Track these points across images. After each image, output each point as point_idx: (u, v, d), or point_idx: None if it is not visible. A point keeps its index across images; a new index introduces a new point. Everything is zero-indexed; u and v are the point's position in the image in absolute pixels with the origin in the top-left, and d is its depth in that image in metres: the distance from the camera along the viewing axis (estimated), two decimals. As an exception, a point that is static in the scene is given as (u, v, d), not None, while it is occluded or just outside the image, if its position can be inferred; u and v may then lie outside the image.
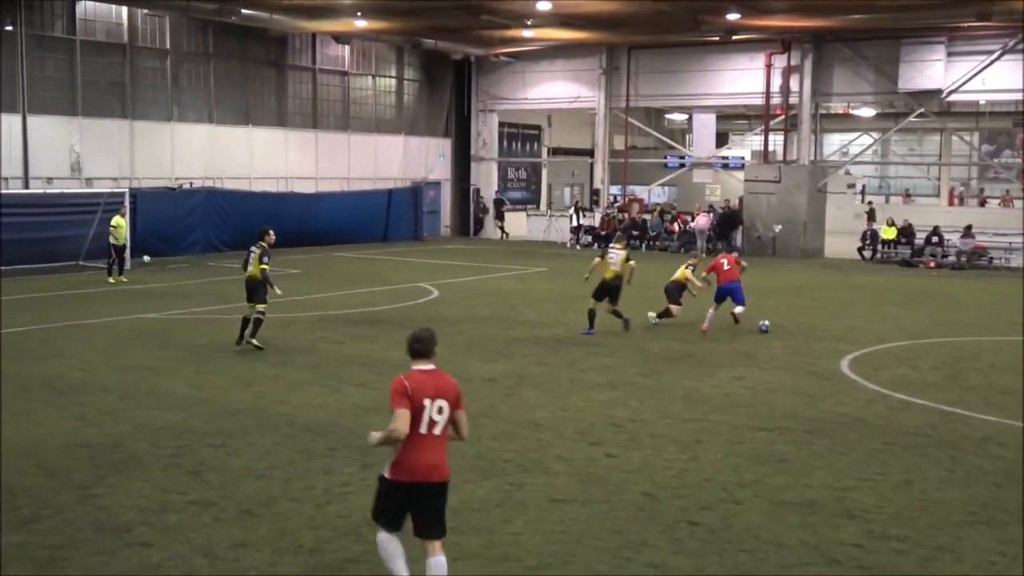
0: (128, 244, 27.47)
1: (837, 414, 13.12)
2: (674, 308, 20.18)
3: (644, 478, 10.23)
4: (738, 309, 19.84)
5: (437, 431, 7.05)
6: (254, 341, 16.96)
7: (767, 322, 19.90)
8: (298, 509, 9.17)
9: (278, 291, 17.34)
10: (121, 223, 26.77)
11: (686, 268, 20.63)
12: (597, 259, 20.08)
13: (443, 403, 7.05)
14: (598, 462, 10.79)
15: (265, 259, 17.16)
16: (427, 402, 6.99)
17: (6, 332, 18.10)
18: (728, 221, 38.62)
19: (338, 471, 10.28)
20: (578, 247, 40.42)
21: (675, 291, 20.35)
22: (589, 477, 10.25)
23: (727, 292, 19.77)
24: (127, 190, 30.41)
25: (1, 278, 25.36)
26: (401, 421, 6.88)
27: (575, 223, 42.32)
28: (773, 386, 14.84)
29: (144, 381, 14.53)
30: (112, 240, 26.49)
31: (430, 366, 7.19)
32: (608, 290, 19.41)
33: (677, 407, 13.37)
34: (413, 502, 7.13)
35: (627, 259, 19.67)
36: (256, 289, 17.07)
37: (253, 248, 17.37)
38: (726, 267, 19.92)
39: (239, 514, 9.02)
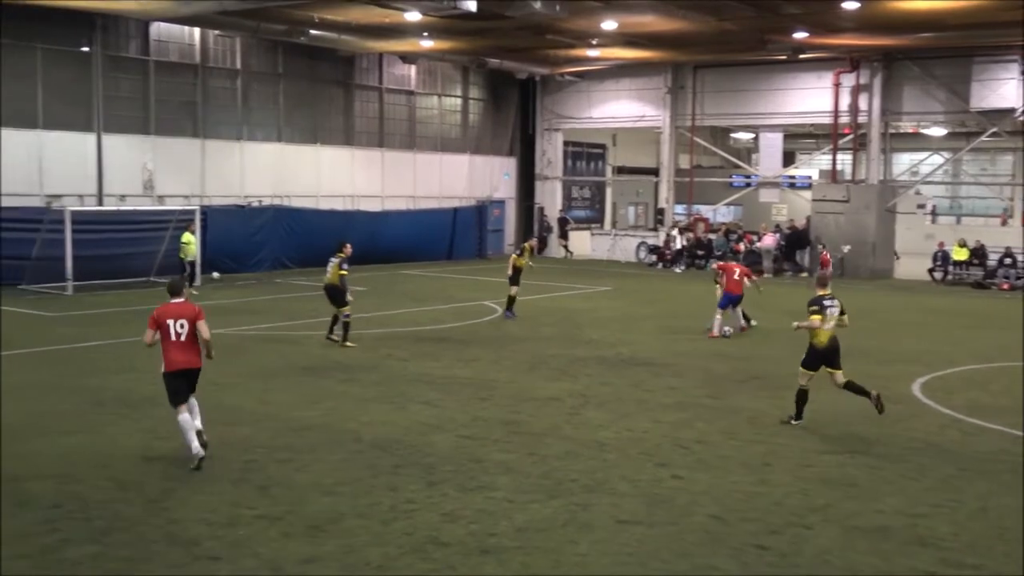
0: (198, 260, 27.99)
1: (909, 438, 12.88)
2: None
3: (712, 500, 10.12)
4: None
5: (183, 339, 11.02)
6: (348, 343, 19.07)
7: (729, 328, 21.35)
8: (365, 526, 9.21)
9: (350, 297, 19.39)
10: (190, 239, 27.37)
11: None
12: (513, 256, 23.97)
13: (183, 320, 11.05)
14: (664, 483, 10.70)
15: (344, 266, 19.24)
16: (170, 321, 11.02)
17: (83, 346, 18.44)
18: (795, 241, 38.19)
19: (403, 488, 10.31)
20: (678, 269, 39.60)
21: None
22: (655, 498, 10.17)
23: (731, 300, 21.43)
24: (197, 207, 30.89)
25: (1, 295, 25.85)
26: (147, 335, 11.15)
27: (679, 245, 40.50)
28: (843, 409, 14.60)
29: (213, 396, 14.63)
30: (182, 256, 27.20)
31: (179, 299, 11.30)
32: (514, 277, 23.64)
33: (744, 429, 13.22)
34: (181, 381, 11.02)
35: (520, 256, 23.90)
36: (334, 295, 19.26)
37: (332, 259, 19.33)
38: (735, 276, 21.32)
39: (306, 529, 9.08)
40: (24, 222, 27.81)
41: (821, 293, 13.45)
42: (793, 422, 13.50)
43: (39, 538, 8.78)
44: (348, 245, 19.71)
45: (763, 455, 11.92)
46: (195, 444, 10.78)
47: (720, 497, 10.24)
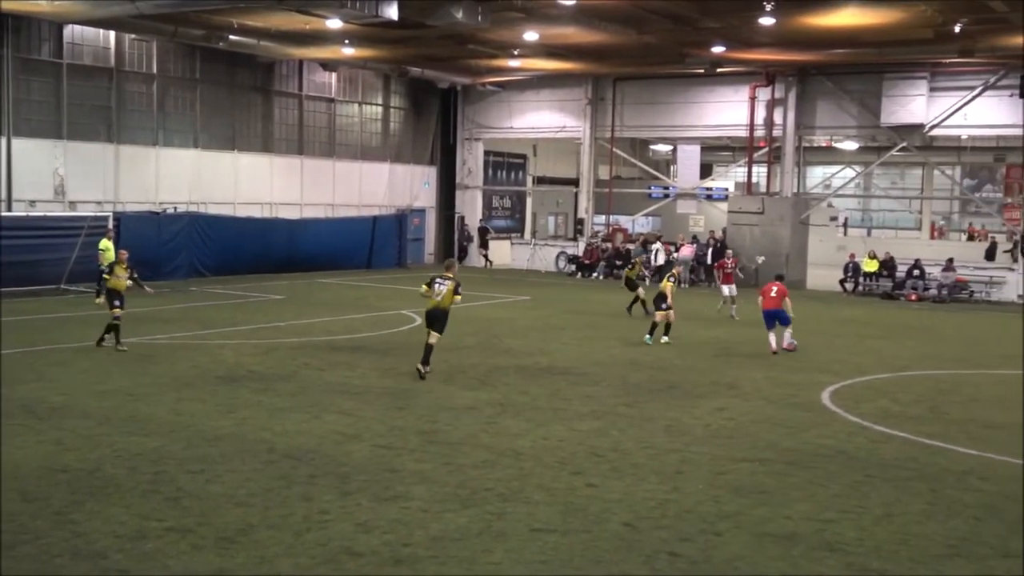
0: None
1: (818, 446, 13.14)
2: (658, 315, 22.31)
3: (625, 508, 10.21)
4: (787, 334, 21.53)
5: None
6: (104, 342, 19.50)
7: (795, 340, 21.59)
8: (277, 537, 9.11)
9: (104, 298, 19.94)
10: (108, 246, 26.90)
11: (668, 280, 23.00)
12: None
13: None
14: (579, 492, 10.76)
15: (104, 270, 20.90)
16: None
17: (-14, 355, 17.99)
18: (720, 253, 38.35)
19: (317, 498, 10.22)
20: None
21: (659, 300, 22.52)
22: (570, 507, 10.22)
23: (773, 316, 21.37)
24: (111, 214, 30.33)
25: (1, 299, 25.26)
26: None
27: (660, 259, 38.07)
28: (755, 417, 14.85)
29: (124, 406, 14.44)
30: (100, 263, 26.72)
31: None
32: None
33: (659, 438, 13.36)
34: None
35: None
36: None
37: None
38: (772, 294, 21.50)
39: (217, 541, 8.95)
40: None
41: (442, 274, 17.40)
42: (421, 368, 17.12)
43: (-62, 552, 8.54)
44: (123, 252, 20.94)
45: (677, 463, 12.06)
46: None
47: (633, 505, 10.33)
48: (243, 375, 17.08)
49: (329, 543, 8.99)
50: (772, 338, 21.14)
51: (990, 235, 50.85)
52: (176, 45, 34.36)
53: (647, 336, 21.98)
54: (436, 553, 8.82)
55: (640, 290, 27.12)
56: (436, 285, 17.25)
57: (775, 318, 21.24)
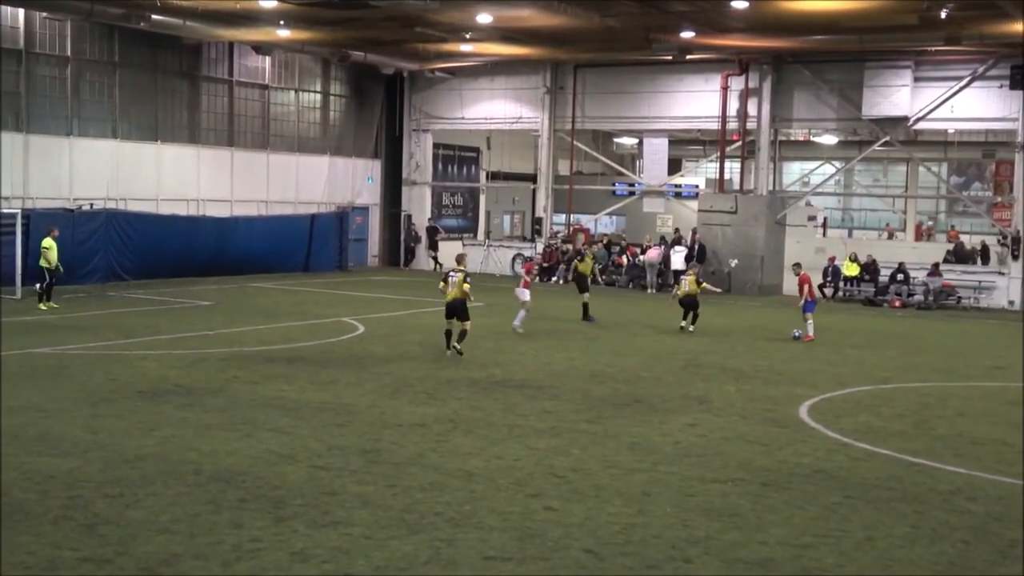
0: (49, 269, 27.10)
1: (795, 465, 13.26)
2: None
3: (586, 533, 10.24)
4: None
5: None
6: None
7: (799, 331, 25.52)
8: (204, 567, 9.05)
9: None
10: (52, 245, 26.77)
11: (695, 279, 26.27)
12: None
13: None
14: (536, 516, 10.78)
15: None
16: None
17: None
18: (698, 255, 38.04)
19: (249, 525, 10.16)
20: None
21: (692, 302, 26.01)
22: (526, 532, 10.24)
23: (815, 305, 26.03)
24: (19, 210, 29.90)
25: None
26: None
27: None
28: (727, 434, 14.96)
29: (34, 424, 14.26)
30: (43, 263, 26.53)
31: None
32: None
33: (623, 456, 13.42)
34: None
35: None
36: None
37: None
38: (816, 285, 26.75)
39: (137, 573, 8.88)
40: None
41: (454, 268, 21.31)
42: (448, 352, 20.83)
43: None
44: None
45: (643, 484, 12.12)
46: None
47: (595, 530, 10.37)
48: (167, 389, 16.95)
49: (262, 574, 8.94)
50: (811, 323, 25.47)
51: (960, 236, 51.39)
52: (92, 25, 34.00)
53: (690, 326, 25.89)
54: (380, 584, 8.81)
55: (587, 294, 28.11)
56: (450, 278, 20.84)
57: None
